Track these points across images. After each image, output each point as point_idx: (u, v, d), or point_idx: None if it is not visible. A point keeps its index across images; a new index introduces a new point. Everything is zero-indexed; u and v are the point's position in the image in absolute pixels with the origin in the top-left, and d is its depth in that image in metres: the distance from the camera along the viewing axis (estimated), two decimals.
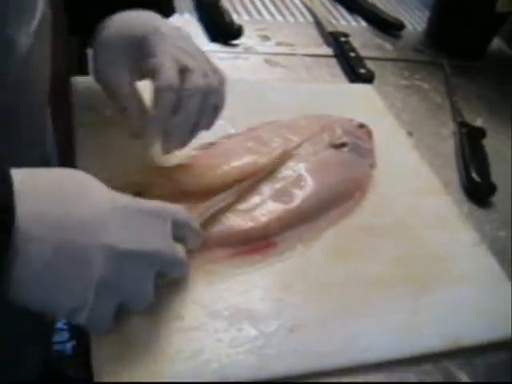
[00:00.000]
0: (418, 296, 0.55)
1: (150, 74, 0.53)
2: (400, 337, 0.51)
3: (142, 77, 0.56)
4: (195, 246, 0.50)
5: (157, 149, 0.56)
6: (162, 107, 0.52)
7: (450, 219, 0.65)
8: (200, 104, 0.53)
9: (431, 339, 0.52)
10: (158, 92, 0.52)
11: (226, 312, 0.49)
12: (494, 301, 0.56)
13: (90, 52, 0.80)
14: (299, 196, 0.59)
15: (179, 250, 0.46)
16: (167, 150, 0.55)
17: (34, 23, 0.51)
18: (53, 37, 0.66)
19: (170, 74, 0.52)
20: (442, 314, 0.54)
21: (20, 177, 0.38)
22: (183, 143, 0.56)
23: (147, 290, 0.43)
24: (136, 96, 0.56)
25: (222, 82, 0.57)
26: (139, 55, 0.54)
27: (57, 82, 0.68)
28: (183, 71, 0.53)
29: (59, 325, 1.29)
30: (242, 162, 0.60)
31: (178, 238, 0.46)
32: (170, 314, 0.48)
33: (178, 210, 0.47)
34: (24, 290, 0.38)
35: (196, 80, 0.53)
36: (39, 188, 0.39)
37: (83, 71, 0.78)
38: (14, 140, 0.58)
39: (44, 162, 0.71)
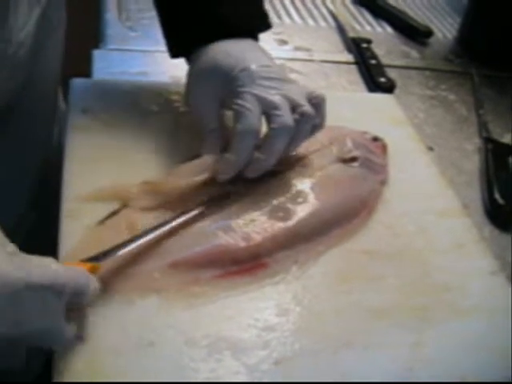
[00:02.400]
0: (422, 328, 0.49)
1: (234, 113, 0.54)
2: (398, 374, 0.46)
3: (230, 109, 0.57)
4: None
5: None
6: (238, 151, 0.52)
7: (467, 244, 0.59)
8: (285, 144, 0.53)
9: (433, 378, 0.46)
10: (237, 135, 0.52)
11: (206, 340, 0.45)
12: (509, 338, 0.51)
13: (95, 52, 0.78)
14: (298, 213, 0.54)
15: (68, 328, 0.40)
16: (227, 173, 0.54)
17: (26, 29, 0.55)
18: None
19: (250, 119, 0.52)
20: (448, 349, 0.49)
21: None
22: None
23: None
24: (220, 130, 0.57)
25: (320, 103, 0.56)
26: (228, 91, 0.55)
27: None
28: (268, 112, 0.53)
29: None
30: None
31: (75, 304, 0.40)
32: (141, 340, 0.44)
33: (77, 275, 0.40)
34: None
35: (281, 120, 0.52)
36: None
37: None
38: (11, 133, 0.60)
39: (48, 162, 0.70)
